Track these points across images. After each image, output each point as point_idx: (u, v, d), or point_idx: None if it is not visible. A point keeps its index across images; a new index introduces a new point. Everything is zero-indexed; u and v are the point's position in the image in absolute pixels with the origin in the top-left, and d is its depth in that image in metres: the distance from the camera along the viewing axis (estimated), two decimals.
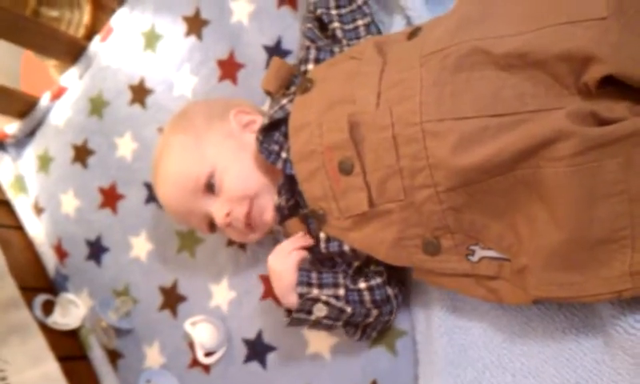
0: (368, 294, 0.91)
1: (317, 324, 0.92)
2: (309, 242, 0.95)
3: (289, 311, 0.93)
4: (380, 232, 0.84)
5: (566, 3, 0.74)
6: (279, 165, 0.92)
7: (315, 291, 0.91)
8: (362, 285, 0.92)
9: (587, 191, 0.68)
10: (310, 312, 0.91)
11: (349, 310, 0.90)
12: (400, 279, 0.96)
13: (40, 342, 1.10)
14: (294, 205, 0.95)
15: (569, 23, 0.72)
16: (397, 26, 1.01)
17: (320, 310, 0.90)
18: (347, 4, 1.02)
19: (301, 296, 0.91)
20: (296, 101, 0.93)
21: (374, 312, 0.91)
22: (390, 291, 0.93)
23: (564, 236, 0.70)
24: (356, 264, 0.94)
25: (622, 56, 0.68)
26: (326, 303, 0.90)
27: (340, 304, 0.90)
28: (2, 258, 1.12)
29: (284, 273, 0.92)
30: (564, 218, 0.70)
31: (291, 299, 0.92)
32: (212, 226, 1.01)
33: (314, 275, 0.92)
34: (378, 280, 0.92)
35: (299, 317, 0.91)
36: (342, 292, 0.91)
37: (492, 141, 0.72)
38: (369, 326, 0.94)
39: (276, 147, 0.93)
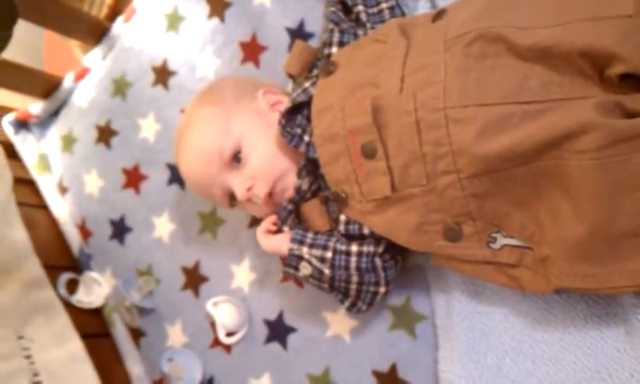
0: (355, 261, 0.91)
1: (308, 281, 0.94)
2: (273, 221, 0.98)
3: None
4: (401, 216, 0.84)
5: None
6: (302, 148, 0.92)
7: (305, 250, 0.92)
8: (354, 248, 0.91)
9: (612, 184, 0.67)
10: (297, 268, 0.93)
11: (327, 272, 0.90)
12: (399, 252, 0.94)
13: (64, 321, 1.11)
14: (316, 188, 0.96)
15: (594, 19, 0.71)
16: (421, 9, 1.01)
17: (305, 268, 0.92)
18: None
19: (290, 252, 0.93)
20: (319, 84, 0.93)
21: (355, 278, 0.91)
22: (378, 262, 0.91)
23: (587, 229, 0.70)
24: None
25: None
26: (309, 262, 0.91)
27: (320, 266, 0.91)
28: (27, 236, 1.13)
29: (269, 245, 0.97)
30: (587, 211, 0.69)
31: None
32: (232, 199, 1.01)
33: (309, 235, 0.94)
34: (371, 248, 0.91)
35: (288, 271, 0.94)
36: (329, 255, 0.91)
37: (516, 129, 0.71)
38: (358, 298, 0.93)
39: (299, 130, 0.93)
